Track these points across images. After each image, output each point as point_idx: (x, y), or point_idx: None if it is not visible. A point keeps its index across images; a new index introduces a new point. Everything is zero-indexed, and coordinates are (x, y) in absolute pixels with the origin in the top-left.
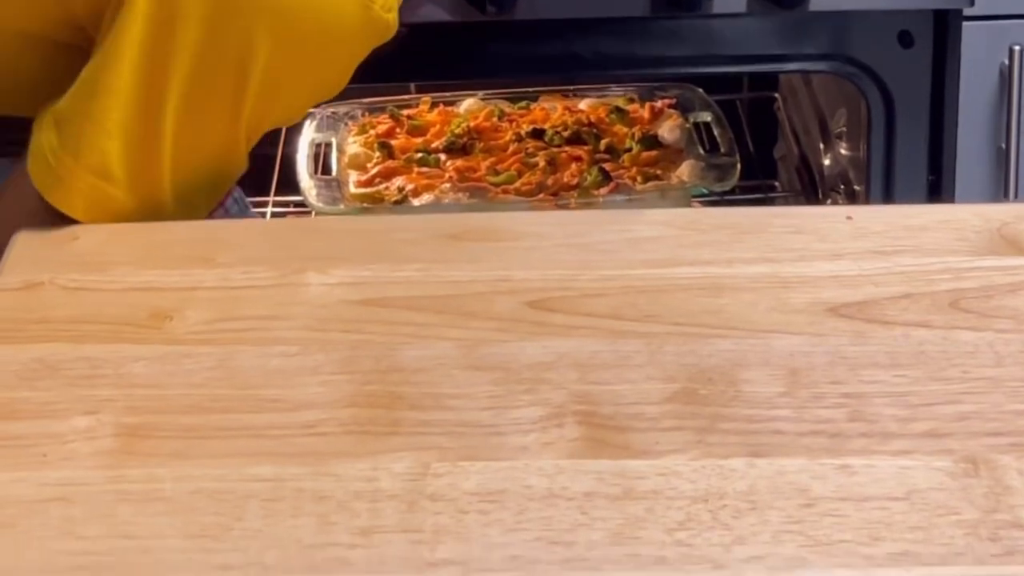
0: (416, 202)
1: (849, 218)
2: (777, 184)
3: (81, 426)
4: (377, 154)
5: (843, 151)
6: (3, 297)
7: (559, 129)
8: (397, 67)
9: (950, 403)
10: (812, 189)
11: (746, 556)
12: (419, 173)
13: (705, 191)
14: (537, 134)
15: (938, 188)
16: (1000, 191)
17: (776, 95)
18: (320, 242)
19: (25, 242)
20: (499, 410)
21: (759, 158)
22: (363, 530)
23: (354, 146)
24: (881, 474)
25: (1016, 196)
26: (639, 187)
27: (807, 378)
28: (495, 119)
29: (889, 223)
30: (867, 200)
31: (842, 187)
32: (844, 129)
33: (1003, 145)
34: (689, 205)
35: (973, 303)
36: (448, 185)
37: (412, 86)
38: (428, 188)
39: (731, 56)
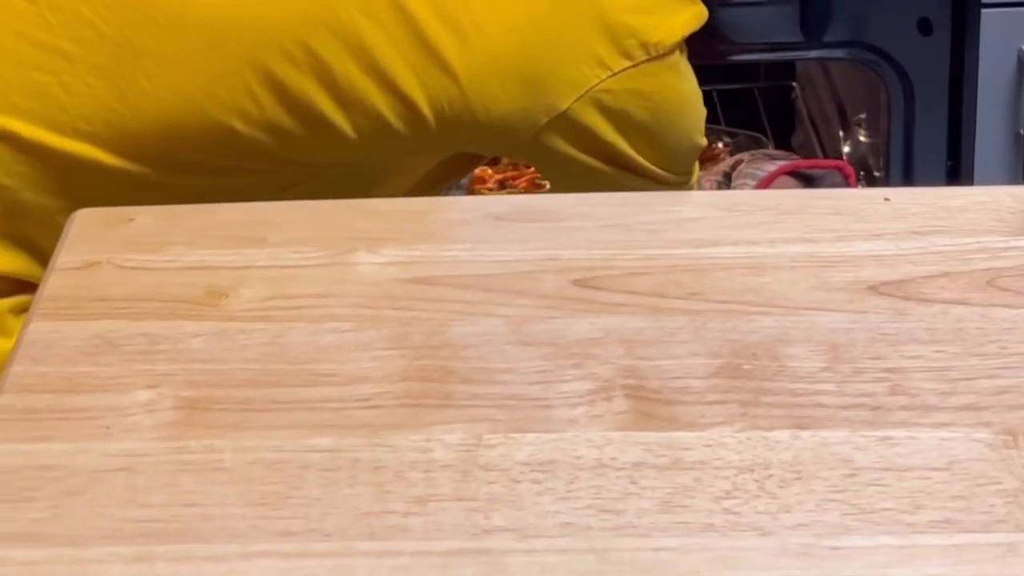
0: None
1: (887, 199)
2: None
3: (142, 399)
4: None
5: (862, 138)
6: (62, 276)
7: None
8: None
9: (989, 377)
10: None
11: (792, 523)
12: None
13: None
14: None
15: (957, 173)
16: (1019, 176)
17: (794, 83)
18: (369, 222)
19: (82, 223)
20: (548, 384)
21: (777, 146)
22: (418, 499)
23: None
24: (922, 446)
25: None
26: None
27: (848, 353)
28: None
29: (926, 204)
30: (887, 186)
31: (862, 174)
32: (863, 116)
33: (1021, 131)
34: None
35: (1010, 281)
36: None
37: None
38: None
39: (750, 44)
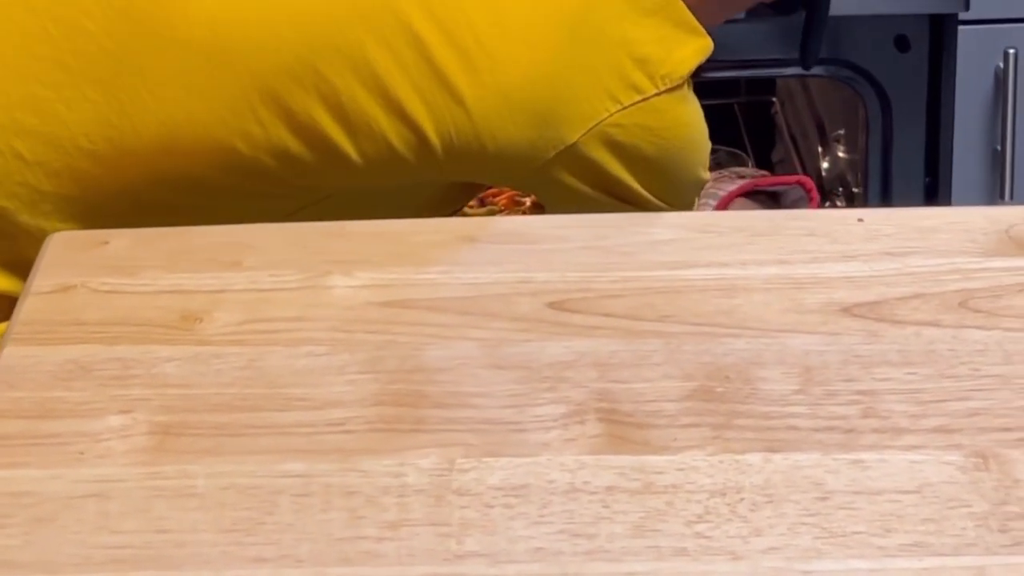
0: None
1: (860, 220)
2: None
3: (116, 425)
4: None
5: (841, 154)
6: (37, 300)
7: None
8: None
9: (960, 400)
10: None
11: (764, 547)
12: None
13: None
14: None
15: (935, 190)
16: (996, 193)
17: (773, 99)
18: (344, 245)
19: (57, 246)
20: (521, 407)
21: (757, 162)
22: (391, 524)
23: None
24: (893, 468)
25: (1012, 197)
26: None
27: (821, 376)
28: None
29: (899, 225)
30: (865, 202)
31: (840, 190)
32: (842, 132)
33: (998, 147)
34: None
35: (982, 303)
36: None
37: None
38: None
39: (730, 61)
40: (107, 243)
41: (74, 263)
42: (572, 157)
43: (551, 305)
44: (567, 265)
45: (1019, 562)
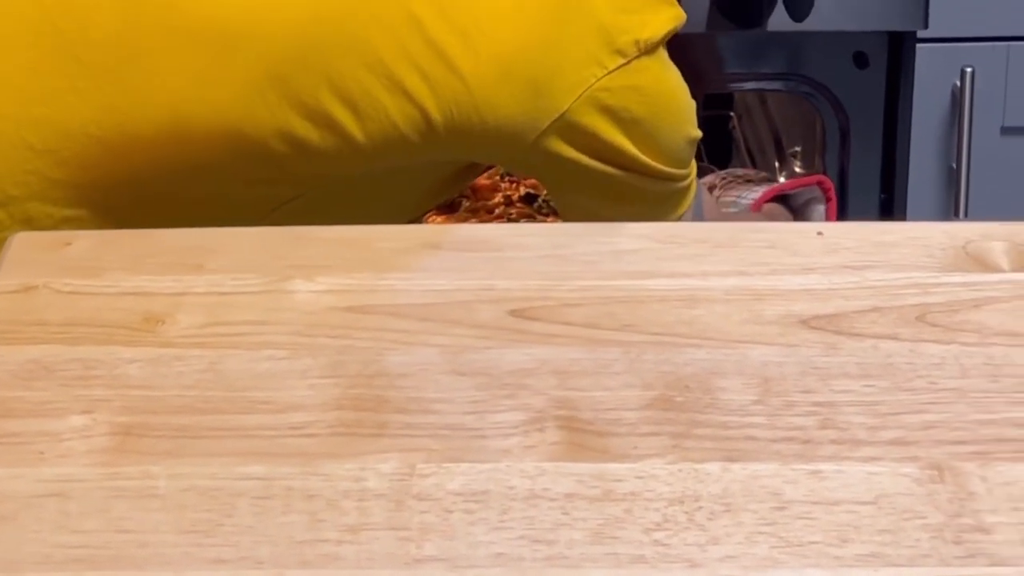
0: None
1: (820, 234)
2: None
3: (77, 425)
4: None
5: (798, 169)
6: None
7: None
8: None
9: (917, 412)
10: None
11: (721, 556)
12: None
13: None
14: (529, 199)
15: (890, 206)
16: (950, 210)
17: (731, 113)
18: (307, 250)
19: (20, 246)
20: (482, 414)
21: None
22: (351, 527)
23: None
24: (850, 479)
25: (966, 215)
26: None
27: (779, 387)
28: (496, 178)
29: (859, 239)
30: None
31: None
32: (799, 148)
33: (954, 165)
34: None
35: (939, 317)
36: None
37: None
38: None
39: (689, 74)
40: (70, 244)
41: (37, 263)
42: (566, 126)
43: (512, 313)
44: (529, 273)
45: (973, 574)
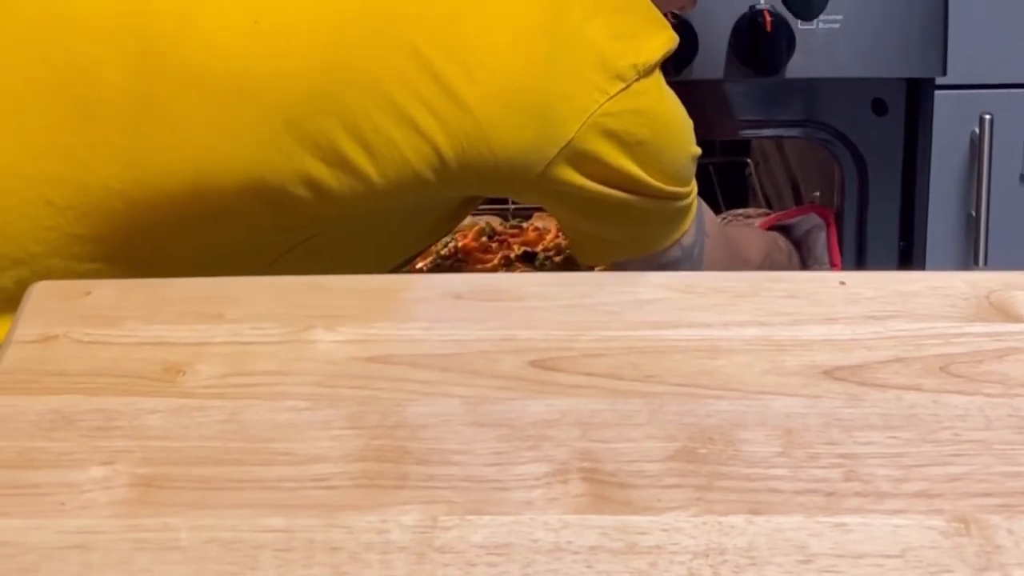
0: None
1: (842, 283)
2: None
3: (98, 476)
4: None
5: None
6: (19, 349)
7: (551, 253)
8: None
9: (942, 464)
10: None
11: None
12: None
13: None
14: (527, 258)
15: (909, 254)
16: (970, 258)
17: (748, 160)
18: (327, 300)
19: (39, 296)
20: (504, 466)
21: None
22: None
23: None
24: (876, 532)
25: (986, 263)
26: None
27: (802, 438)
28: (484, 238)
29: (881, 289)
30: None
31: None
32: (817, 194)
33: (973, 212)
34: None
35: (963, 368)
36: None
37: None
38: None
39: (707, 122)
40: (89, 293)
41: (56, 313)
42: (573, 153)
43: (533, 363)
44: (550, 323)
45: None
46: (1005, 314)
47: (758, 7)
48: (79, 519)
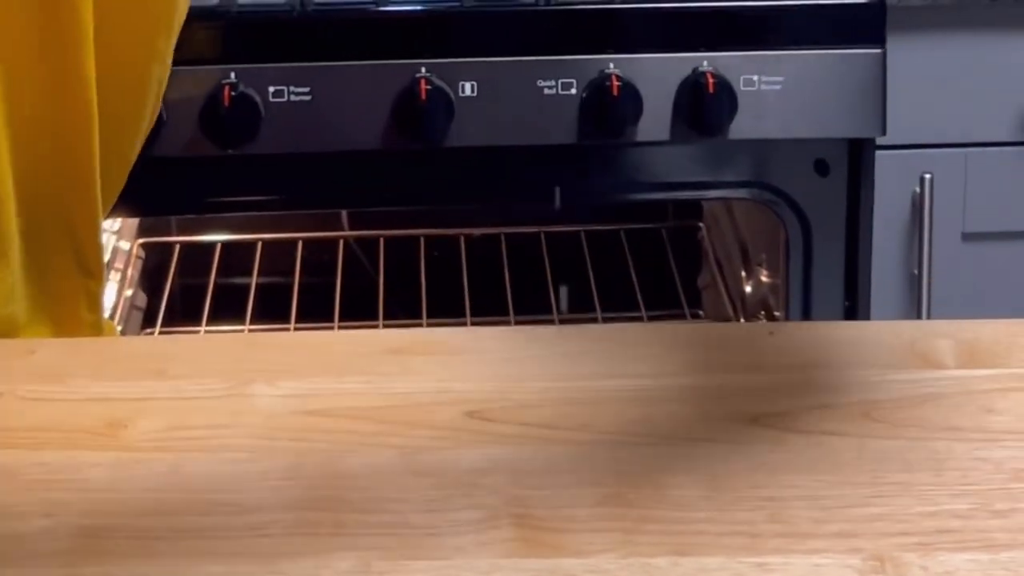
0: None
1: (771, 334)
2: (702, 313)
3: (39, 527)
4: None
5: (764, 278)
6: None
7: None
8: (329, 194)
9: (862, 505)
10: (735, 317)
11: None
12: None
13: None
14: None
15: (854, 313)
16: (914, 316)
17: (700, 224)
18: (267, 356)
19: None
20: (438, 512)
21: (684, 287)
22: None
23: None
24: (796, 571)
25: (929, 319)
26: None
27: (728, 483)
28: None
29: (807, 339)
30: None
31: (763, 313)
32: (764, 256)
33: (916, 271)
34: None
35: (884, 413)
36: None
37: (343, 213)
38: None
39: (655, 183)
40: (34, 352)
41: (1, 371)
42: None
43: (469, 414)
44: (486, 376)
45: None
46: (927, 361)
47: (701, 69)
48: (21, 568)
